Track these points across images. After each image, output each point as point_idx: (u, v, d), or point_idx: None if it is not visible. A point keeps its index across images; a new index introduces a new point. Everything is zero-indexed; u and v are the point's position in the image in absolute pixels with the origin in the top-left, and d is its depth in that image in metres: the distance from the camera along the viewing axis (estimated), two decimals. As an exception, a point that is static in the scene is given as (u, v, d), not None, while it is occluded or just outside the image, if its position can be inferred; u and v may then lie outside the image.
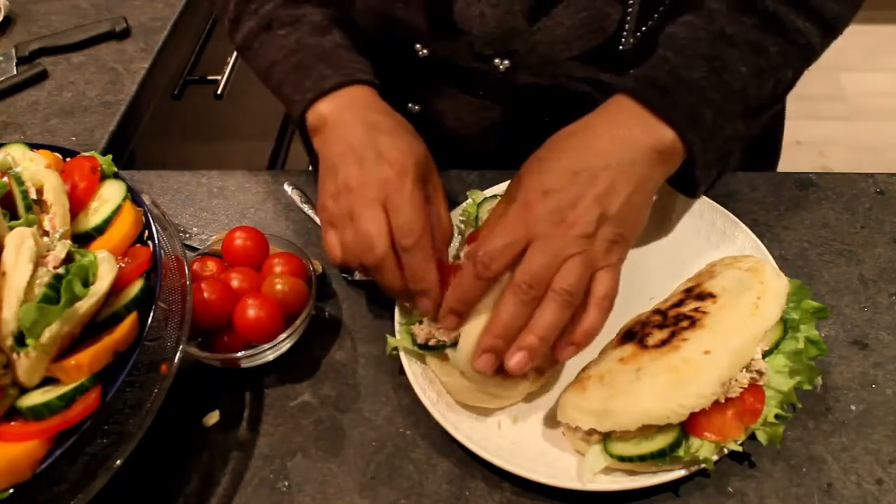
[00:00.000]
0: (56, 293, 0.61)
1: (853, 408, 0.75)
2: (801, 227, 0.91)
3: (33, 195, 0.70)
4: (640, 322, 0.76)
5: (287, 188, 0.99)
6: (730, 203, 0.90)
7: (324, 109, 0.80)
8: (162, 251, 0.71)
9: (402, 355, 0.77)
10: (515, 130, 0.95)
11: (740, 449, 0.68)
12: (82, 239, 0.72)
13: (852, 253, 0.88)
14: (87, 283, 0.64)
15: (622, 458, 0.68)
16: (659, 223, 0.90)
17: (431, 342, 0.75)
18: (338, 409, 0.79)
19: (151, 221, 0.73)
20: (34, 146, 0.78)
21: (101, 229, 0.73)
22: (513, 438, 0.73)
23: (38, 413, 0.60)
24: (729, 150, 0.77)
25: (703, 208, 0.89)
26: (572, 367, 0.78)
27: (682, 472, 0.68)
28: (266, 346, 0.77)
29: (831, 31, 0.78)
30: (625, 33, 0.84)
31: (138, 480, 0.73)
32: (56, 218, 0.69)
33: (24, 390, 0.63)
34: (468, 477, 0.73)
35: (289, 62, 0.85)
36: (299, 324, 0.79)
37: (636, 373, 0.69)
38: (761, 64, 0.75)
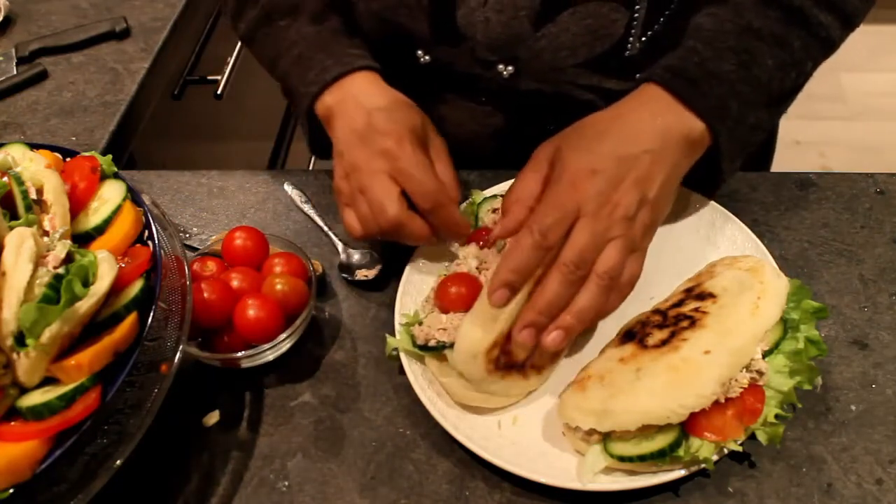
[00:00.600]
0: (56, 293, 0.61)
1: (853, 408, 0.75)
2: (801, 227, 0.91)
3: (33, 195, 0.70)
4: (641, 322, 0.76)
5: (287, 188, 0.99)
6: (730, 203, 0.90)
7: (329, 101, 0.84)
8: (162, 251, 0.71)
9: (402, 355, 0.77)
10: (517, 137, 0.95)
11: (740, 449, 0.68)
12: (82, 239, 0.72)
13: (852, 253, 0.88)
14: (87, 283, 0.64)
15: (622, 458, 0.68)
16: (664, 230, 0.89)
17: (431, 343, 0.75)
18: (338, 409, 0.79)
19: (151, 221, 0.73)
20: (34, 146, 0.78)
21: (101, 229, 0.73)
22: (513, 438, 0.73)
23: (38, 413, 0.60)
24: (752, 140, 0.79)
25: (703, 208, 0.89)
26: (572, 367, 0.78)
27: (682, 472, 0.68)
28: (266, 346, 0.77)
29: (850, 24, 0.80)
30: (631, 39, 0.84)
31: (138, 480, 0.73)
32: (56, 218, 0.69)
33: (24, 390, 0.63)
34: (468, 477, 0.73)
35: (291, 55, 0.87)
36: (299, 324, 0.79)
37: (636, 373, 0.69)
38: (785, 57, 0.77)
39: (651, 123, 0.73)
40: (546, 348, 0.70)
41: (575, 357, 0.80)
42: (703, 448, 0.67)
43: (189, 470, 0.75)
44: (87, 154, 0.78)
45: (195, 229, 0.96)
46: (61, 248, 0.65)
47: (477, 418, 0.75)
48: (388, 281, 0.88)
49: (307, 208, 0.96)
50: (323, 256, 0.91)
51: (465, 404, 0.75)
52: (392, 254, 0.90)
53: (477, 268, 0.80)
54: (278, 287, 0.79)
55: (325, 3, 0.90)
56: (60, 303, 0.61)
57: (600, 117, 0.76)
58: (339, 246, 0.91)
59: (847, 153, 2.68)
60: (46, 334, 0.60)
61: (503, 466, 0.70)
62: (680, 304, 0.75)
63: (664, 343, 0.71)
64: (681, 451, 0.67)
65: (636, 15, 0.82)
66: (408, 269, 0.85)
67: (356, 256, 0.90)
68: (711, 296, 0.73)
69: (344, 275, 0.89)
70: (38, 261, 0.63)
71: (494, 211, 0.86)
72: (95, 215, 0.73)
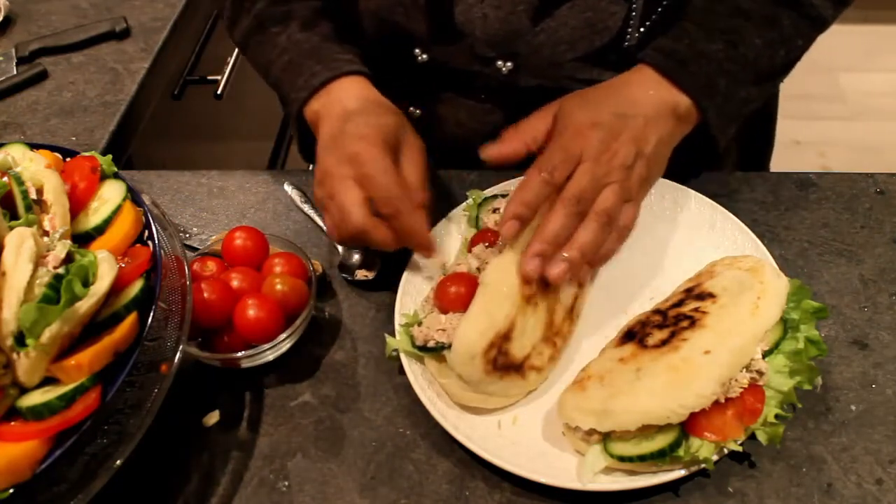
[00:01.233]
0: (56, 293, 0.61)
1: (853, 408, 0.75)
2: (801, 227, 0.91)
3: (33, 195, 0.70)
4: (641, 322, 0.76)
5: (287, 188, 0.99)
6: (730, 203, 0.90)
7: (316, 106, 0.84)
8: (162, 251, 0.71)
9: (402, 355, 0.77)
10: None
11: (740, 449, 0.68)
12: (82, 239, 0.72)
13: (852, 253, 0.88)
14: (87, 283, 0.64)
15: (622, 458, 0.68)
16: (659, 223, 0.90)
17: (430, 344, 0.75)
18: (338, 409, 0.79)
19: (151, 221, 0.73)
20: (34, 146, 0.78)
21: (101, 229, 0.73)
22: (513, 438, 0.73)
23: (38, 413, 0.60)
24: (743, 112, 0.83)
25: (704, 208, 0.89)
26: (572, 367, 0.78)
27: (682, 472, 0.68)
28: (266, 346, 0.77)
29: (843, 2, 0.83)
30: (629, 31, 0.85)
31: (138, 480, 0.73)
32: (56, 218, 0.69)
33: (24, 390, 0.63)
34: (468, 477, 0.73)
35: (282, 61, 0.88)
36: (299, 324, 0.79)
37: (636, 373, 0.69)
38: (774, 36, 0.80)
39: (645, 94, 0.78)
40: (552, 280, 0.72)
41: (575, 357, 0.80)
42: (703, 448, 0.67)
43: (189, 470, 0.75)
44: (87, 154, 0.78)
45: (195, 229, 0.96)
46: (61, 248, 0.65)
47: (477, 418, 0.75)
48: (388, 281, 0.88)
49: (307, 208, 0.96)
50: (323, 256, 0.91)
51: (464, 405, 0.75)
52: (392, 254, 0.90)
53: (477, 268, 0.80)
54: (278, 287, 0.79)
55: (315, 11, 0.91)
56: (60, 303, 0.61)
57: (600, 87, 0.80)
58: (339, 246, 0.91)
59: (847, 153, 2.68)
60: (46, 334, 0.60)
61: (503, 466, 0.70)
62: (680, 304, 0.75)
63: (664, 343, 0.71)
64: (681, 451, 0.67)
65: (634, 7, 0.84)
66: (408, 269, 0.85)
67: (356, 256, 0.90)
68: (711, 296, 0.73)
69: (344, 275, 0.89)
70: (38, 261, 0.63)
71: (495, 211, 0.86)
72: (95, 215, 0.73)
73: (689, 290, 0.77)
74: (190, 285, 0.74)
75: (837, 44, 3.28)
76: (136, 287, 0.67)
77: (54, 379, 0.63)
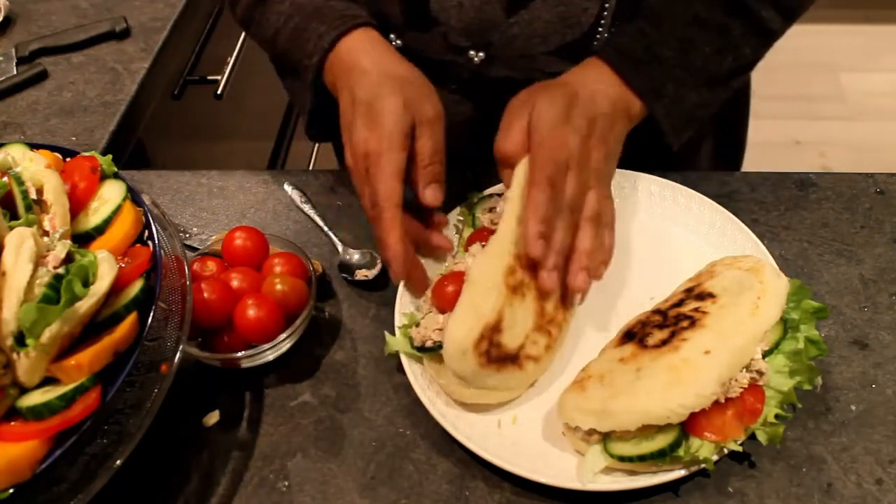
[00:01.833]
0: (56, 293, 0.61)
1: (853, 408, 0.75)
2: (801, 227, 0.91)
3: (33, 195, 0.70)
4: (641, 322, 0.76)
5: (287, 188, 0.99)
6: (730, 203, 0.90)
7: (328, 75, 0.84)
8: (162, 251, 0.71)
9: (402, 355, 0.77)
10: (486, 128, 0.96)
11: (740, 449, 0.68)
12: (82, 239, 0.72)
13: (852, 253, 0.88)
14: (87, 283, 0.64)
15: (622, 458, 0.68)
16: (659, 223, 0.90)
17: (428, 344, 0.75)
18: (338, 409, 0.79)
19: (151, 221, 0.73)
20: (34, 146, 0.78)
21: (101, 229, 0.73)
22: (513, 438, 0.73)
23: (38, 413, 0.60)
24: (696, 115, 0.86)
25: (703, 208, 0.89)
26: (572, 367, 0.78)
27: (682, 472, 0.68)
28: (266, 346, 0.77)
29: (791, 17, 0.86)
30: (600, 28, 0.87)
31: (138, 480, 0.73)
32: (56, 218, 0.69)
33: (24, 390, 0.63)
34: (468, 477, 0.73)
35: (288, 28, 0.87)
36: (299, 324, 0.79)
37: (636, 373, 0.69)
38: (722, 44, 0.83)
39: (604, 93, 0.81)
40: (576, 289, 0.76)
41: (575, 357, 0.80)
42: (703, 448, 0.67)
43: (189, 470, 0.75)
44: (87, 154, 0.78)
45: (195, 229, 0.96)
46: (61, 248, 0.65)
47: (477, 418, 0.75)
48: (388, 281, 0.88)
49: (307, 208, 0.96)
50: (323, 256, 0.91)
51: (466, 403, 0.75)
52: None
53: None
54: (278, 287, 0.79)
55: None
56: (60, 303, 0.61)
57: (561, 86, 0.81)
58: (339, 246, 0.91)
59: (847, 153, 2.68)
60: (46, 334, 0.60)
61: (503, 466, 0.70)
62: (680, 304, 0.75)
63: (664, 343, 0.71)
64: (681, 451, 0.67)
65: (607, 4, 0.85)
66: (408, 269, 0.85)
67: (356, 256, 0.90)
68: (711, 296, 0.73)
69: (344, 275, 0.89)
70: (38, 261, 0.63)
71: (491, 210, 0.86)
72: (95, 215, 0.73)
73: (689, 290, 0.77)
74: (190, 285, 0.74)
75: (838, 44, 3.29)
76: (136, 287, 0.67)
77: (54, 379, 0.63)
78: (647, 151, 0.87)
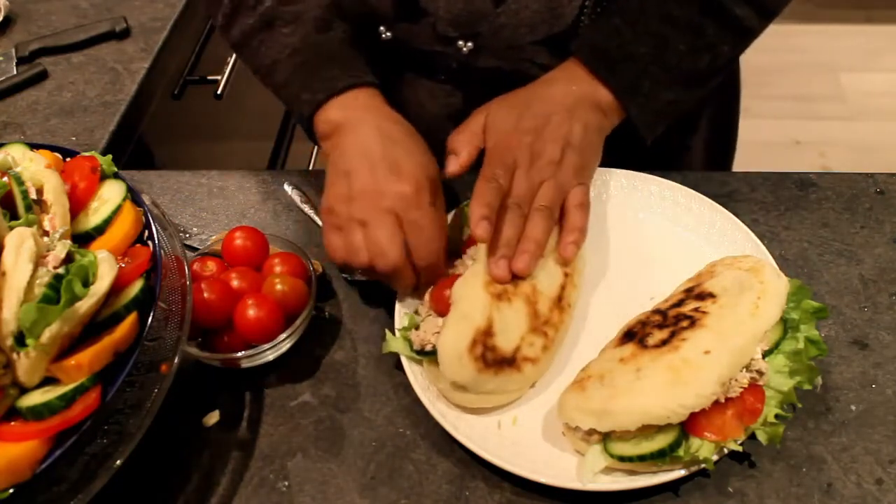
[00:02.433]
0: (56, 293, 0.61)
1: (853, 408, 0.75)
2: (801, 227, 0.91)
3: (33, 195, 0.70)
4: (641, 322, 0.76)
5: (287, 188, 0.99)
6: (730, 203, 0.90)
7: (335, 113, 0.83)
8: (162, 251, 0.71)
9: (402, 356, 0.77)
10: None
11: (740, 449, 0.68)
12: (82, 239, 0.72)
13: (852, 253, 0.88)
14: (87, 283, 0.64)
15: (622, 458, 0.68)
16: (659, 223, 0.90)
17: (427, 347, 0.75)
18: (338, 409, 0.79)
19: (151, 221, 0.73)
20: (34, 146, 0.78)
21: (101, 229, 0.73)
22: (513, 438, 0.73)
23: (38, 413, 0.60)
24: (670, 112, 0.87)
25: (703, 208, 0.89)
26: (572, 367, 0.78)
27: (682, 472, 0.68)
28: (266, 346, 0.77)
29: (769, 15, 0.87)
30: (583, 18, 0.88)
31: (138, 480, 0.73)
32: (56, 218, 0.69)
33: (24, 390, 0.63)
34: (468, 477, 0.73)
35: (293, 61, 0.86)
36: (299, 324, 0.79)
37: (636, 373, 0.69)
38: (698, 43, 0.84)
39: (566, 90, 0.84)
40: (520, 272, 0.76)
41: (574, 357, 0.80)
42: (703, 448, 0.67)
43: (189, 470, 0.75)
44: (87, 154, 0.78)
45: (195, 229, 0.96)
46: (61, 248, 0.65)
47: (477, 418, 0.75)
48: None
49: (307, 208, 0.96)
50: (323, 256, 0.91)
51: (466, 407, 0.75)
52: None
53: None
54: (278, 287, 0.79)
55: (330, 9, 0.89)
56: (60, 303, 0.61)
57: (522, 90, 0.85)
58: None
59: (847, 153, 2.67)
60: (46, 334, 0.60)
61: (503, 466, 0.70)
62: (680, 304, 0.75)
63: (664, 343, 0.71)
64: (681, 451, 0.67)
65: None
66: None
67: (356, 256, 0.90)
68: (711, 296, 0.73)
69: (344, 275, 0.89)
70: (38, 261, 0.63)
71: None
72: (95, 215, 0.73)
73: (689, 290, 0.77)
74: (190, 285, 0.74)
75: (838, 44, 3.29)
76: (136, 287, 0.67)
77: (54, 379, 0.63)
78: (639, 150, 0.88)
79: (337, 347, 0.84)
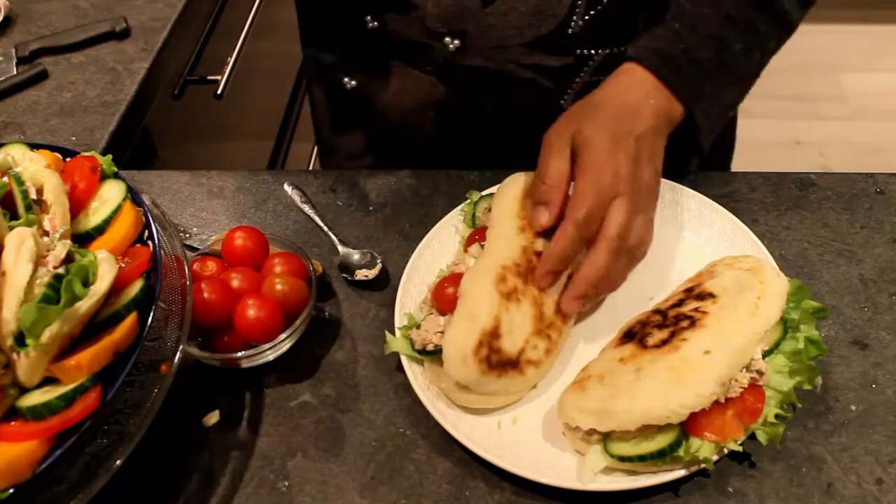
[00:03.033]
0: (56, 293, 0.61)
1: (853, 408, 0.75)
2: (801, 227, 0.91)
3: (33, 195, 0.70)
4: (641, 322, 0.76)
5: (287, 188, 0.99)
6: (730, 203, 0.90)
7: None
8: (162, 251, 0.71)
9: (402, 356, 0.77)
10: (457, 113, 0.96)
11: (740, 449, 0.68)
12: (82, 239, 0.72)
13: (852, 253, 0.88)
14: (87, 283, 0.64)
15: (622, 458, 0.68)
16: (659, 224, 0.89)
17: (429, 347, 0.75)
18: (338, 409, 0.79)
19: (151, 221, 0.73)
20: (34, 146, 0.78)
21: (101, 229, 0.73)
22: (513, 438, 0.73)
23: (38, 413, 0.60)
24: (724, 116, 0.87)
25: (704, 208, 0.89)
26: (572, 367, 0.78)
27: (682, 472, 0.68)
28: (266, 346, 0.77)
29: (807, 7, 0.86)
30: (574, 18, 0.88)
31: (138, 480, 0.73)
32: (56, 218, 0.69)
33: (24, 390, 0.63)
34: (468, 477, 0.73)
35: None
36: (299, 324, 0.79)
37: (636, 373, 0.69)
38: (751, 41, 0.83)
39: (647, 103, 0.79)
40: (564, 310, 0.76)
41: (574, 357, 0.80)
42: (703, 448, 0.67)
43: (189, 470, 0.75)
44: (87, 154, 0.78)
45: (195, 229, 0.96)
46: (61, 248, 0.65)
47: (477, 419, 0.75)
48: (388, 281, 0.88)
49: (307, 208, 0.96)
50: (323, 256, 0.91)
51: (467, 407, 0.75)
52: (392, 254, 0.90)
53: None
54: (278, 287, 0.79)
55: None
56: (60, 303, 0.61)
57: (605, 96, 0.80)
58: (339, 246, 0.91)
59: (847, 153, 2.67)
60: (46, 334, 0.60)
61: (503, 466, 0.70)
62: (680, 303, 0.75)
63: (664, 343, 0.71)
64: (681, 451, 0.67)
65: None
66: (408, 269, 0.85)
67: (356, 256, 0.90)
68: (711, 296, 0.73)
69: (344, 275, 0.89)
70: (38, 261, 0.63)
71: (491, 210, 0.86)
72: (95, 215, 0.73)
73: (689, 290, 0.77)
74: (190, 285, 0.74)
75: (838, 44, 3.29)
76: (136, 287, 0.67)
77: (54, 379, 0.63)
78: None
79: (337, 347, 0.84)
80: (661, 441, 0.67)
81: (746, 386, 0.69)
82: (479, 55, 0.92)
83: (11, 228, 0.65)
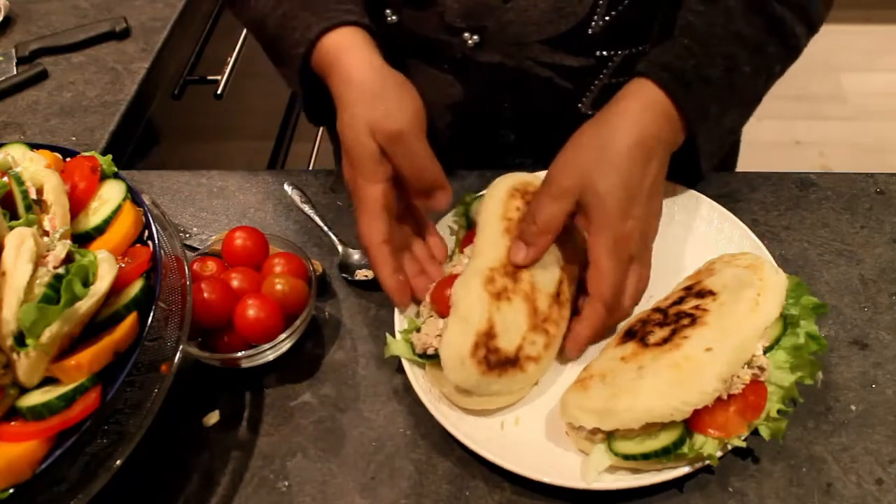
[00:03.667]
0: (56, 293, 0.61)
1: (853, 408, 0.75)
2: (801, 227, 0.91)
3: (33, 195, 0.70)
4: (641, 320, 0.76)
5: (287, 188, 0.99)
6: (730, 203, 0.90)
7: (319, 62, 0.81)
8: (162, 251, 0.71)
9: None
10: (473, 113, 0.95)
11: (744, 445, 0.68)
12: (82, 239, 0.72)
13: (852, 253, 0.88)
14: (87, 283, 0.64)
15: (627, 457, 0.68)
16: (663, 228, 0.89)
17: (429, 351, 0.75)
18: (338, 409, 0.79)
19: (151, 221, 0.73)
20: (34, 146, 0.78)
21: (101, 229, 0.73)
22: (516, 439, 0.73)
23: (38, 413, 0.60)
24: (726, 141, 0.84)
25: (703, 208, 0.89)
26: (574, 367, 0.78)
27: (686, 470, 0.68)
28: (266, 346, 0.77)
29: (814, 30, 0.86)
30: (595, 17, 0.87)
31: (138, 480, 0.73)
32: (56, 218, 0.69)
33: (24, 390, 0.63)
34: (468, 477, 0.73)
35: (276, 15, 0.85)
36: (299, 324, 0.79)
37: (638, 371, 0.69)
38: (759, 63, 0.82)
39: (658, 137, 0.77)
40: (566, 351, 0.78)
41: (575, 357, 0.79)
42: (707, 445, 0.67)
43: (189, 470, 0.75)
44: (87, 154, 0.78)
45: (195, 229, 0.96)
46: (61, 248, 0.65)
47: (479, 420, 0.74)
48: (388, 281, 0.88)
49: (307, 208, 0.96)
50: (323, 256, 0.91)
51: (470, 409, 0.74)
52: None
53: None
54: (278, 287, 0.79)
55: None
56: (60, 303, 0.60)
57: (617, 129, 0.76)
58: (339, 246, 0.91)
59: (847, 153, 2.67)
60: (46, 334, 0.60)
61: (508, 467, 0.69)
62: (680, 301, 0.75)
63: (665, 341, 0.71)
64: (685, 449, 0.67)
65: None
66: (408, 269, 0.85)
67: (356, 256, 0.90)
68: (711, 293, 0.74)
69: (344, 275, 0.89)
70: (38, 261, 0.63)
71: None
72: (95, 215, 0.73)
73: (688, 288, 0.77)
74: (190, 285, 0.74)
75: (838, 44, 3.29)
76: (136, 287, 0.67)
77: (54, 379, 0.63)
78: None
79: (337, 347, 0.84)
80: (664, 439, 0.67)
81: (748, 382, 0.69)
82: (498, 52, 0.91)
83: (11, 228, 0.65)
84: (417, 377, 0.76)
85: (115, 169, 0.78)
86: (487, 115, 0.97)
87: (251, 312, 0.76)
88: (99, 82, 1.22)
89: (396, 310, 0.81)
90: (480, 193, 0.89)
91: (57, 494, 0.62)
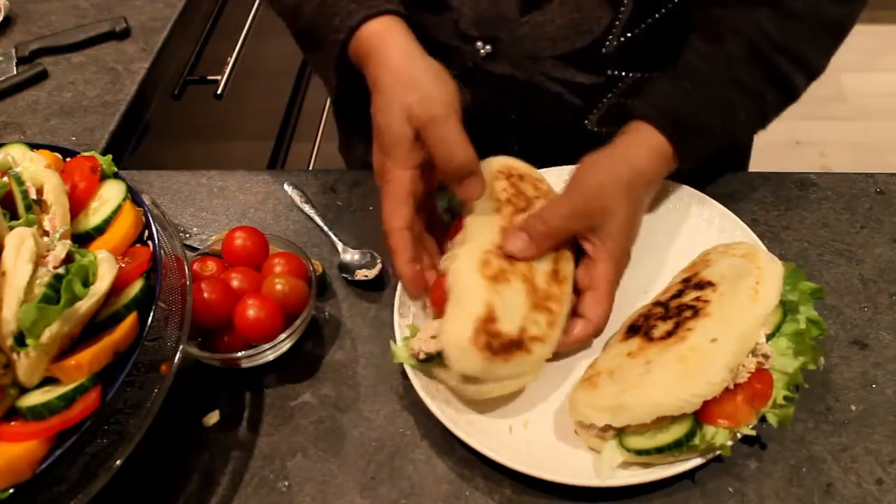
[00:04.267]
0: (56, 293, 0.61)
1: (853, 408, 0.75)
2: (801, 227, 0.91)
3: (33, 195, 0.70)
4: (643, 315, 0.76)
5: (287, 188, 0.99)
6: (730, 203, 0.90)
7: (355, 50, 0.81)
8: (162, 251, 0.71)
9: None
10: (480, 122, 0.95)
11: (753, 433, 0.68)
12: (82, 239, 0.72)
13: (852, 253, 0.88)
14: (87, 283, 0.64)
15: (639, 452, 0.68)
16: (658, 223, 0.89)
17: (421, 356, 0.73)
18: (338, 409, 0.79)
19: (151, 221, 0.73)
20: (34, 146, 0.78)
21: (101, 229, 0.73)
22: (524, 441, 0.73)
23: (38, 413, 0.60)
24: (702, 162, 0.87)
25: (703, 207, 0.89)
26: (578, 365, 0.78)
27: (698, 461, 0.68)
28: (266, 346, 0.77)
29: (814, 79, 0.87)
30: (610, 37, 0.87)
31: (138, 480, 0.73)
32: (56, 218, 0.69)
33: (24, 390, 0.63)
34: (468, 477, 0.73)
35: (314, 2, 0.85)
36: (299, 324, 0.79)
37: (646, 366, 0.69)
38: (755, 111, 0.84)
39: (659, 172, 0.83)
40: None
41: (578, 355, 0.79)
42: (718, 435, 0.67)
43: (189, 470, 0.75)
44: (87, 154, 0.78)
45: (195, 229, 0.96)
46: (61, 248, 0.65)
47: (488, 423, 0.74)
48: (388, 281, 0.88)
49: (307, 208, 0.96)
50: (323, 256, 0.91)
51: (482, 400, 0.73)
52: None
53: None
54: (278, 287, 0.79)
55: None
56: (60, 303, 0.60)
57: (638, 170, 0.80)
58: (339, 246, 0.91)
59: (847, 153, 2.67)
60: (46, 334, 0.60)
61: (519, 469, 0.69)
62: (680, 294, 0.75)
63: (670, 334, 0.71)
64: (696, 440, 0.67)
65: (620, 16, 0.85)
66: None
67: (356, 256, 0.90)
68: (710, 284, 0.74)
69: (344, 275, 0.89)
70: (38, 261, 0.63)
71: None
72: (95, 215, 0.73)
73: (686, 280, 0.77)
74: (190, 285, 0.74)
75: (838, 44, 3.28)
76: (136, 287, 0.67)
77: (54, 379, 0.63)
78: None
79: (337, 347, 0.84)
80: (676, 432, 0.67)
81: (754, 370, 0.69)
82: (510, 64, 0.91)
83: (11, 228, 0.65)
84: (419, 378, 0.75)
85: (115, 169, 0.78)
86: (493, 124, 0.97)
87: (251, 312, 0.76)
88: (99, 82, 1.22)
89: (396, 314, 0.81)
90: None
91: (57, 494, 0.62)
